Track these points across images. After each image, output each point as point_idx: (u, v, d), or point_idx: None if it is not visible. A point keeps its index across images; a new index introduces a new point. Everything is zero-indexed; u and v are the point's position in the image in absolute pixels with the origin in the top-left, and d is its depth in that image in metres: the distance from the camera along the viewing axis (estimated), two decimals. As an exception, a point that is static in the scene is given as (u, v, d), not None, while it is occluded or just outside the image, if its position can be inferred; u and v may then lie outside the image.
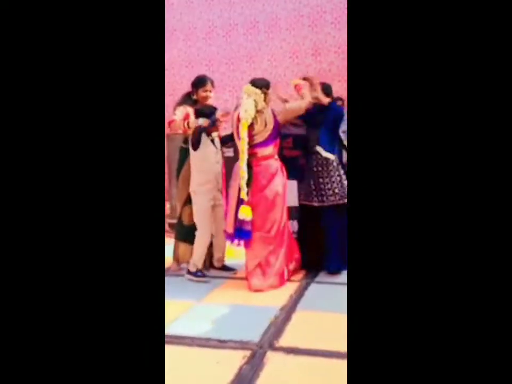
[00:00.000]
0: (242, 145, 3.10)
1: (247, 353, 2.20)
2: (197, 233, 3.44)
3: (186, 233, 3.60)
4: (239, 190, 3.14)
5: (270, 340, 2.35)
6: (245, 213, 3.10)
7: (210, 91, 3.55)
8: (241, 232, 3.14)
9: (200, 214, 3.39)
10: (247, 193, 3.09)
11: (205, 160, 3.34)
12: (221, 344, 2.32)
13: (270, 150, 3.23)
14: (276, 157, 3.29)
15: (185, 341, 2.37)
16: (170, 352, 2.26)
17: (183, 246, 3.69)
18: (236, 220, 3.15)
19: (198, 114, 3.37)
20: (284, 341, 2.34)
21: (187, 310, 2.86)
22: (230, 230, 3.22)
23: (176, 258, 3.73)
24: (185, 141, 3.56)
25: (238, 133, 3.21)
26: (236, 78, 6.18)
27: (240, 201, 3.13)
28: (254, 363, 2.10)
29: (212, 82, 3.62)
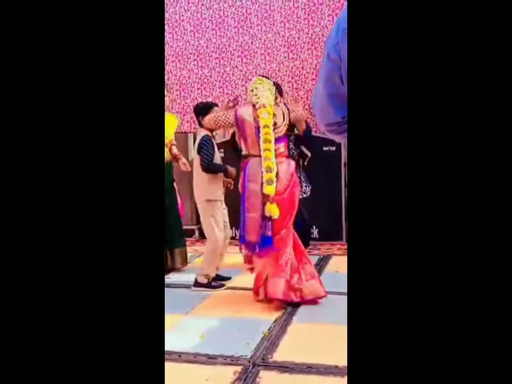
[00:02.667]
0: (269, 135, 3.00)
1: (239, 369, 2.19)
2: (208, 244, 3.46)
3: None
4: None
5: (263, 354, 2.33)
6: (273, 211, 3.00)
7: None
8: (265, 240, 3.06)
9: (213, 224, 3.39)
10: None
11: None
12: (211, 360, 2.30)
13: (284, 147, 3.19)
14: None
15: (172, 357, 2.34)
16: (155, 369, 2.24)
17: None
18: (261, 227, 3.05)
19: (196, 111, 3.44)
20: (278, 356, 2.32)
21: (173, 323, 2.83)
22: (254, 238, 3.09)
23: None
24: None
25: (243, 130, 3.16)
26: (227, 73, 6.18)
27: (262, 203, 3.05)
28: (247, 380, 2.08)
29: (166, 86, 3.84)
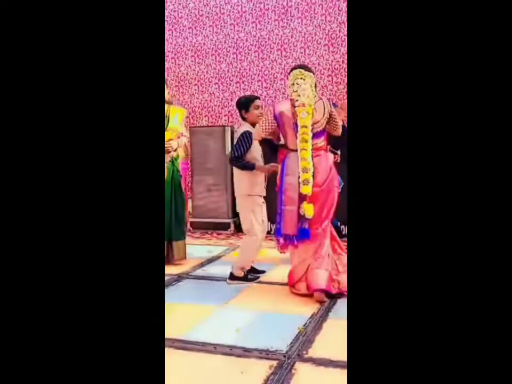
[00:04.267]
0: (306, 134, 3.01)
1: (274, 363, 2.19)
2: (246, 238, 3.49)
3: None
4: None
5: (299, 350, 2.34)
6: (308, 212, 3.03)
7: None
8: (302, 233, 3.08)
9: (252, 218, 3.41)
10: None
11: (256, 161, 3.40)
12: (246, 353, 2.32)
13: (323, 141, 3.17)
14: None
15: (207, 348, 2.38)
16: (192, 359, 2.28)
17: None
18: (299, 220, 3.08)
19: (238, 105, 3.47)
20: (313, 352, 2.32)
21: (209, 315, 2.87)
22: (292, 231, 3.12)
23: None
24: None
25: (282, 125, 3.15)
26: (266, 67, 6.17)
27: (300, 198, 3.07)
28: (281, 374, 2.09)
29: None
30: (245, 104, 3.44)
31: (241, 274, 3.48)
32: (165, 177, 3.92)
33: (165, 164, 3.92)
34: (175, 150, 4.04)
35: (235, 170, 3.50)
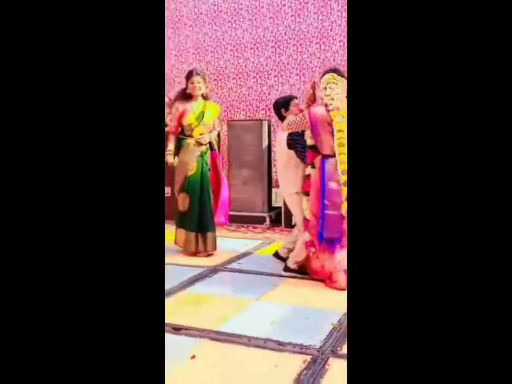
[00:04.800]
0: (343, 139, 3.05)
1: (308, 358, 2.20)
2: (301, 232, 3.50)
3: (181, 220, 4.15)
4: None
5: (333, 346, 2.33)
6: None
7: (198, 82, 4.04)
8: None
9: (305, 214, 3.42)
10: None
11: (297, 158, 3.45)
12: (280, 346, 2.33)
13: None
14: None
15: (242, 340, 2.40)
16: (226, 351, 2.31)
17: (179, 232, 4.19)
18: (342, 222, 3.11)
19: (276, 106, 3.51)
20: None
21: (244, 308, 2.90)
22: (336, 234, 3.17)
23: (185, 248, 4.16)
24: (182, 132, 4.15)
25: (316, 129, 3.18)
26: (304, 60, 6.14)
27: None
28: (315, 369, 2.09)
29: (201, 74, 4.09)
30: (284, 103, 3.48)
31: (296, 267, 3.51)
32: (195, 170, 4.06)
33: (195, 157, 4.07)
34: (206, 144, 4.14)
35: (283, 170, 3.53)
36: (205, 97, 4.15)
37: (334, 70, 3.23)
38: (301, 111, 3.40)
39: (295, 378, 2.01)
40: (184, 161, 4.08)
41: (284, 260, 3.62)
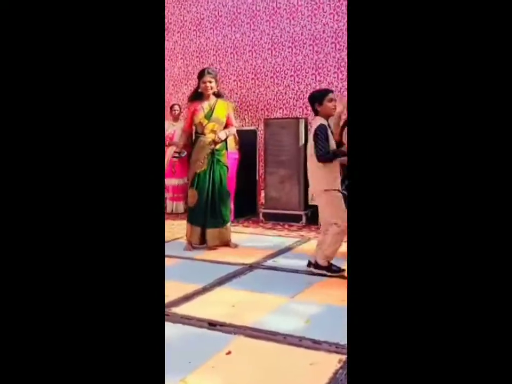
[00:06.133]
0: None
1: (343, 357, 2.17)
2: (334, 228, 3.43)
3: (190, 215, 4.32)
4: None
5: (369, 346, 2.29)
6: None
7: (210, 81, 4.12)
8: None
9: (334, 212, 3.40)
10: None
11: None
12: (315, 345, 2.31)
13: None
14: None
15: (277, 338, 2.39)
16: (261, 348, 2.30)
17: (188, 227, 4.32)
18: None
19: (312, 99, 3.46)
20: (384, 349, 2.27)
21: (280, 305, 2.89)
22: None
23: (188, 240, 4.33)
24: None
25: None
26: (342, 58, 6.07)
27: None
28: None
29: (212, 73, 4.16)
30: (318, 97, 3.42)
31: (325, 264, 3.47)
32: (204, 167, 4.19)
33: (206, 155, 4.18)
34: (222, 141, 4.23)
35: (311, 166, 3.48)
36: (218, 95, 4.26)
37: None
38: (335, 107, 3.38)
39: (331, 377, 1.99)
40: (195, 158, 4.22)
41: (323, 268, 3.51)
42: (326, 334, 2.41)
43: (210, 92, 4.16)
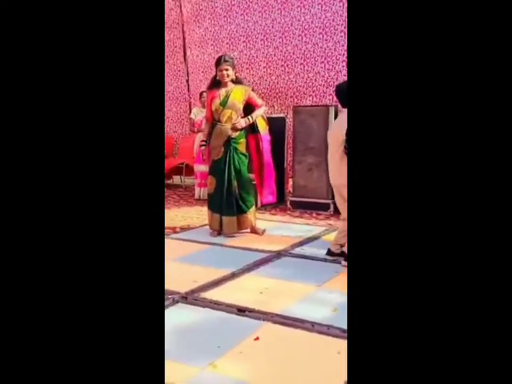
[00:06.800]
0: None
1: (371, 347, 2.17)
2: (342, 216, 3.45)
3: (209, 202, 4.39)
4: None
5: (398, 336, 2.29)
6: None
7: (226, 69, 4.10)
8: None
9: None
10: None
11: None
12: (343, 333, 2.31)
13: None
14: None
15: (305, 326, 2.41)
16: (289, 335, 2.32)
17: (209, 214, 4.40)
18: None
19: (338, 92, 3.43)
20: (413, 340, 2.26)
21: (308, 293, 2.90)
22: None
23: (211, 226, 4.40)
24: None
25: None
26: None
27: None
28: (379, 359, 2.06)
29: (229, 61, 4.12)
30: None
31: (338, 250, 3.48)
32: (221, 154, 4.22)
33: (222, 142, 4.20)
34: (242, 128, 4.24)
35: (333, 158, 3.44)
36: (236, 82, 4.24)
37: None
38: None
39: (358, 366, 2.00)
40: (213, 146, 4.27)
41: (338, 255, 3.52)
42: (354, 323, 2.41)
43: (227, 79, 4.15)
